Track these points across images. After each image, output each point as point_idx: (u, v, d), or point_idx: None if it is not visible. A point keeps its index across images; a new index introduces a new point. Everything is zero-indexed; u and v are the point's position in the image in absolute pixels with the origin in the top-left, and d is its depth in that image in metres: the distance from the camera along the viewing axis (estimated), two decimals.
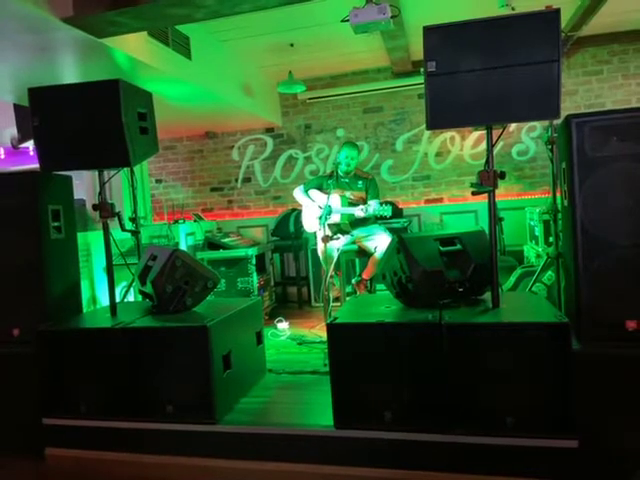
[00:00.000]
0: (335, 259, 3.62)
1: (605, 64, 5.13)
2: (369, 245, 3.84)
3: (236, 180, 6.20)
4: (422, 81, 2.16)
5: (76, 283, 2.89)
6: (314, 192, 4.09)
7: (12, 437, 2.53)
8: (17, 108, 4.68)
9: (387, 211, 3.64)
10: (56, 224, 2.70)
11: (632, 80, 5.08)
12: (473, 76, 2.06)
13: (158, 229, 4.83)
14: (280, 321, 4.29)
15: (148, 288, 2.66)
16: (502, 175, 2.20)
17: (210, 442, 2.30)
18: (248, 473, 2.23)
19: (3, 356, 2.54)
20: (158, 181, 6.45)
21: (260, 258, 4.96)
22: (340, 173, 3.98)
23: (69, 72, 3.55)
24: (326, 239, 3.47)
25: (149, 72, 3.60)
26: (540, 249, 3.93)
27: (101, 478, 2.35)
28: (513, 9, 3.59)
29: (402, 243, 2.34)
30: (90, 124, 2.46)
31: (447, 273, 2.29)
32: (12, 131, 5.72)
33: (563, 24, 3.14)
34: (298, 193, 4.18)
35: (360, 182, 4.01)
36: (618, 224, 1.99)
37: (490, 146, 2.23)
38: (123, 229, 2.89)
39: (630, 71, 5.08)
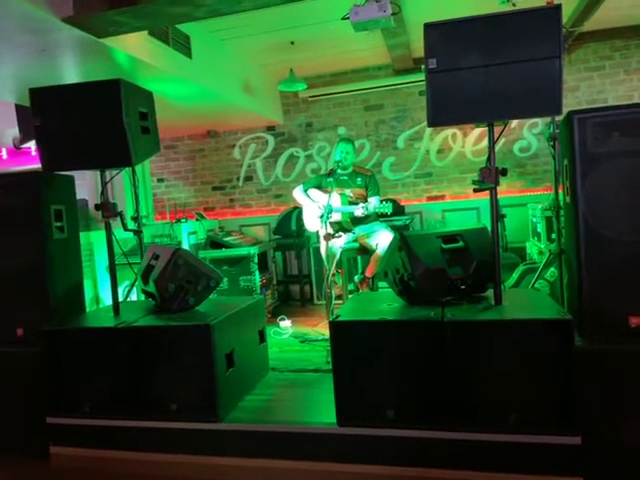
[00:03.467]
0: (337, 257, 3.62)
1: (607, 60, 5.11)
2: (371, 242, 3.83)
3: (238, 179, 6.20)
4: (423, 78, 2.16)
5: (79, 282, 2.90)
6: (313, 191, 4.09)
7: (16, 436, 2.54)
8: (19, 108, 4.68)
9: (387, 208, 3.61)
10: (59, 224, 2.71)
11: (634, 75, 5.06)
12: (474, 73, 2.05)
13: (160, 228, 4.84)
14: (282, 319, 4.30)
15: (151, 287, 2.66)
16: (504, 172, 2.19)
17: (213, 440, 2.31)
18: (251, 471, 2.24)
19: (7, 356, 2.54)
20: (160, 180, 6.46)
21: (262, 256, 4.96)
22: (339, 170, 3.96)
23: (70, 72, 3.55)
24: (328, 237, 3.47)
25: (150, 71, 3.60)
26: (542, 246, 3.92)
27: (105, 477, 2.36)
28: (514, 5, 3.58)
29: (404, 241, 2.34)
30: (91, 124, 2.46)
31: (449, 270, 2.29)
32: (14, 132, 5.72)
33: (564, 20, 3.12)
34: (298, 193, 4.17)
35: (359, 179, 4.00)
36: (621, 220, 1.98)
37: (492, 143, 2.22)
38: (125, 228, 2.89)
39: (632, 66, 5.06)
